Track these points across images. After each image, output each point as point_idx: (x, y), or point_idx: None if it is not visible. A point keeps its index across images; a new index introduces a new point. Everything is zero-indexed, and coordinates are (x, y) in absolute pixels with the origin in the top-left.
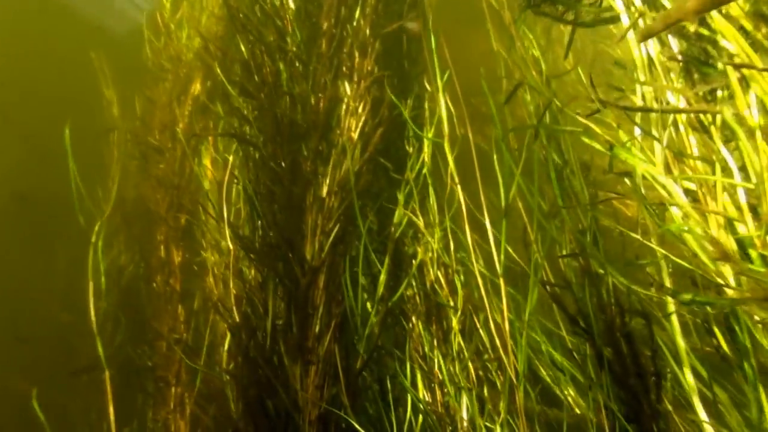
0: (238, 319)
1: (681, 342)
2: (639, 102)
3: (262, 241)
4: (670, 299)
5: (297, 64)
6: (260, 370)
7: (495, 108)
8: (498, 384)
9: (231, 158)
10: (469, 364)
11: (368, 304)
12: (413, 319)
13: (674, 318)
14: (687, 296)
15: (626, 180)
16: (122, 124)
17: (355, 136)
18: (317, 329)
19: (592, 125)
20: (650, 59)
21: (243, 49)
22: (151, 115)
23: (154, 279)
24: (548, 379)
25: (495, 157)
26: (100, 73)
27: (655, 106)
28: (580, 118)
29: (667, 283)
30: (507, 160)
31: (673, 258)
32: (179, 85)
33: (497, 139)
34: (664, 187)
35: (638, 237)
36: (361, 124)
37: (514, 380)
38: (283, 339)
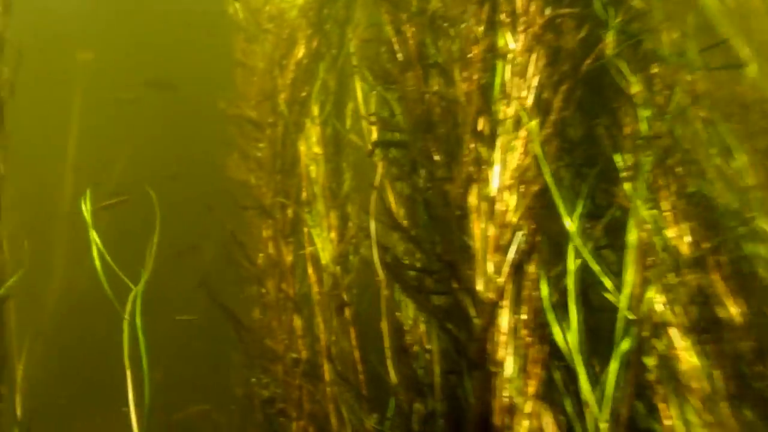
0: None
1: None
2: None
3: (408, 264)
4: None
5: (444, 24)
6: None
7: None
8: None
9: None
10: None
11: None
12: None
13: None
14: None
15: None
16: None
17: (529, 102)
18: (505, 399)
19: None
20: None
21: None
22: (248, 84)
23: (263, 284)
24: None
25: None
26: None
27: None
28: None
29: None
30: None
31: None
32: (281, 48)
33: None
34: None
35: None
36: (535, 85)
37: None
38: (451, 411)
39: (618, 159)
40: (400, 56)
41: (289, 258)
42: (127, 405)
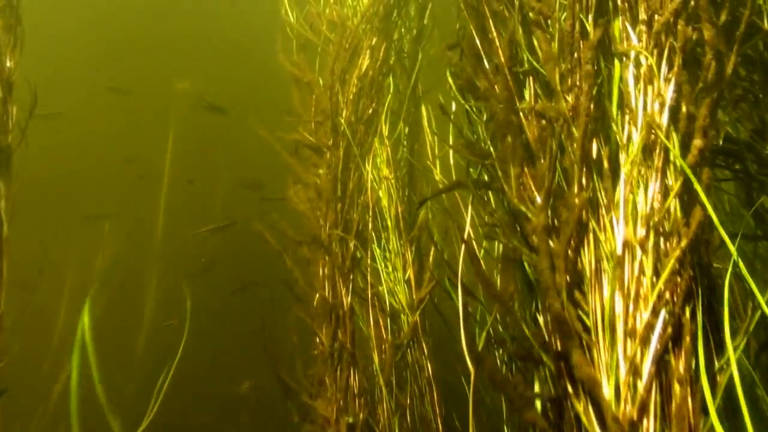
0: None
1: None
2: None
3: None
4: None
5: (539, 17)
6: None
7: None
8: None
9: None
10: None
11: None
12: None
13: None
14: None
15: None
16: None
17: (662, 119)
18: None
19: None
20: None
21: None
22: (305, 103)
23: (318, 333)
24: None
25: None
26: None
27: None
28: None
29: None
30: None
31: None
32: (342, 60)
33: None
34: None
35: None
36: (669, 93)
37: None
38: None
39: None
40: (486, 63)
41: (347, 300)
42: None
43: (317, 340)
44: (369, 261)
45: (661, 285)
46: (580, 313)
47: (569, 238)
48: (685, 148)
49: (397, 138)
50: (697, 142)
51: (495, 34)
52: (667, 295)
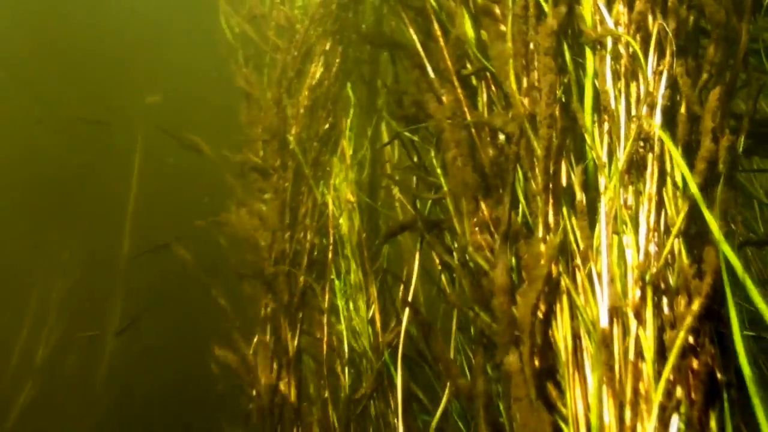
0: None
1: None
2: None
3: None
4: None
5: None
6: None
7: None
8: None
9: None
10: None
11: None
12: None
13: None
14: None
15: None
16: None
17: (654, 124)
18: None
19: None
20: None
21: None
22: (253, 119)
23: (254, 387)
24: None
25: None
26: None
27: None
28: None
29: None
30: None
31: None
32: (291, 69)
33: None
34: None
35: None
36: (662, 91)
37: None
38: None
39: None
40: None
41: (293, 345)
42: None
43: (253, 392)
44: (326, 297)
45: (668, 374)
46: (557, 418)
47: (536, 303)
48: (693, 160)
49: (359, 157)
50: (706, 149)
51: (439, 31)
52: (679, 390)
